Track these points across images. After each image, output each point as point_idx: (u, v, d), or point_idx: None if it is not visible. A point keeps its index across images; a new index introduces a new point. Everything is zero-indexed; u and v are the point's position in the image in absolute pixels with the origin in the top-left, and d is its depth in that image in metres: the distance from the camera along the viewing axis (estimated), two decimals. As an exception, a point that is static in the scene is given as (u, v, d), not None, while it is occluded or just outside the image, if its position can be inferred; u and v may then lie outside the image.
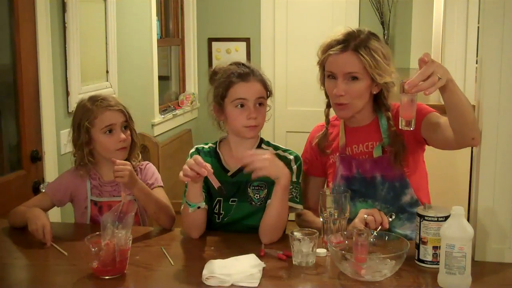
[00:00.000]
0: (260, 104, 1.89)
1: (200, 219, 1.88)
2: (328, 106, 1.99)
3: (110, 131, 2.02)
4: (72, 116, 2.11)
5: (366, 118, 1.93)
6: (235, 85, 1.88)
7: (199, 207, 1.83)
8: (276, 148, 1.98)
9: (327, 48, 1.87)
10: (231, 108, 1.89)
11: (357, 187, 1.90)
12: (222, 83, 1.91)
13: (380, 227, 1.76)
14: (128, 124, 2.07)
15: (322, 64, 1.91)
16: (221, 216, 1.95)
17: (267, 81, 1.94)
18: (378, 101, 1.92)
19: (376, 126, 1.93)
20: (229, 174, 1.94)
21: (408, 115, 1.57)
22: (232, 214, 1.93)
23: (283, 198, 1.79)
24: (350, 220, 1.83)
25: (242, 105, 1.88)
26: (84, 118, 2.03)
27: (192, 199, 1.82)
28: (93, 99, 2.05)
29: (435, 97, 3.29)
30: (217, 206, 1.95)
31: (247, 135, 1.92)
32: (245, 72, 1.90)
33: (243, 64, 1.94)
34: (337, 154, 1.96)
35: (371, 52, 1.81)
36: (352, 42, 1.82)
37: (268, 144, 1.99)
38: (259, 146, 1.97)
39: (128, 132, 2.06)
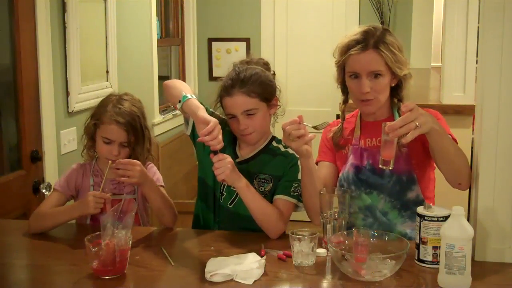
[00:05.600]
0: (249, 114, 1.91)
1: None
2: (345, 102, 2.00)
3: (108, 142, 2.02)
4: (72, 116, 2.12)
5: (384, 113, 1.94)
6: (223, 100, 1.94)
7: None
8: (286, 146, 1.99)
9: (346, 49, 1.86)
10: (228, 119, 1.97)
11: (365, 177, 1.91)
12: (218, 94, 1.96)
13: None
14: (129, 143, 2.04)
15: (341, 65, 1.90)
16: (223, 197, 1.99)
17: (256, 89, 1.91)
18: (394, 94, 1.93)
19: (390, 121, 1.92)
20: (237, 160, 1.98)
21: (387, 155, 1.65)
22: (237, 203, 1.96)
23: (249, 197, 1.84)
24: (350, 222, 1.84)
25: (233, 117, 1.93)
26: (96, 116, 2.05)
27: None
28: (116, 104, 2.04)
29: (435, 97, 3.30)
30: (222, 186, 1.99)
31: (247, 143, 1.99)
32: (229, 85, 1.92)
33: (238, 68, 1.95)
34: (350, 145, 1.97)
35: (389, 47, 1.83)
36: (371, 39, 1.83)
37: (278, 142, 2.02)
38: (269, 143, 2.02)
39: (127, 149, 2.05)
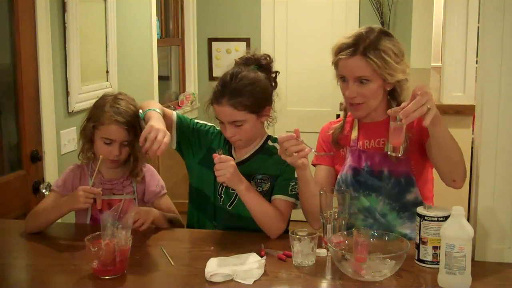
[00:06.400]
0: (236, 125, 1.90)
1: None
2: None
3: (109, 142, 2.01)
4: (72, 116, 2.11)
5: (380, 115, 1.93)
6: (213, 105, 1.93)
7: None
8: None
9: (338, 51, 1.87)
10: (219, 122, 1.97)
11: (364, 180, 1.91)
12: (210, 97, 1.95)
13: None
14: (129, 142, 2.04)
15: (335, 65, 1.91)
16: (222, 199, 1.99)
17: (245, 102, 1.87)
18: (392, 97, 1.93)
19: (389, 123, 1.92)
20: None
21: (396, 141, 1.63)
22: (237, 205, 1.96)
23: (250, 199, 1.85)
24: (350, 223, 1.83)
25: (222, 122, 1.93)
26: (94, 118, 2.03)
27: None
28: (113, 103, 2.03)
29: (435, 98, 3.30)
30: (220, 188, 2.00)
31: (235, 147, 2.00)
32: (219, 93, 1.90)
33: (233, 73, 1.92)
34: (348, 147, 1.96)
35: (381, 54, 1.80)
36: (361, 45, 1.81)
37: (274, 141, 2.01)
38: (265, 143, 2.01)
39: (127, 148, 2.04)
